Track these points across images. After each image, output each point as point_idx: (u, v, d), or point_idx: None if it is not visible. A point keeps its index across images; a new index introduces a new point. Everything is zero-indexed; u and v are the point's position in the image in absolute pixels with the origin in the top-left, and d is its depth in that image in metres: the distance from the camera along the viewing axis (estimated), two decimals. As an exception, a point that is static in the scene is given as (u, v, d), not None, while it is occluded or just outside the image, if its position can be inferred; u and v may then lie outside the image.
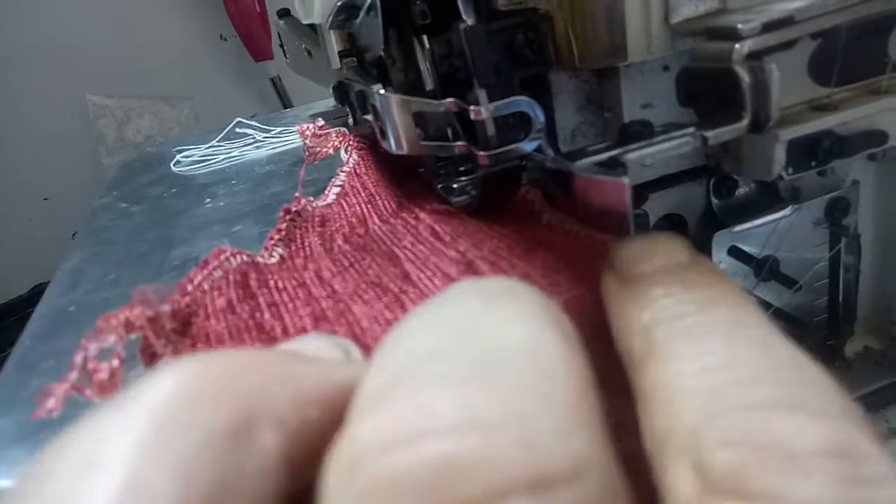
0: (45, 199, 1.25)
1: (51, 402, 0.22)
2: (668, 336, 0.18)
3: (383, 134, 0.31)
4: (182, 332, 0.25)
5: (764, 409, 0.15)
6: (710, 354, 0.17)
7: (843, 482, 0.13)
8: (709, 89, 0.28)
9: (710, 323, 0.18)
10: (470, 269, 0.26)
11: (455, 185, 0.33)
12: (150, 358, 0.24)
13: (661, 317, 0.19)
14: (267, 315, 0.26)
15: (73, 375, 0.22)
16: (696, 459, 0.14)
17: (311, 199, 0.38)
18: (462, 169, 0.32)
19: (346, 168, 0.40)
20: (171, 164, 0.58)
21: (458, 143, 0.28)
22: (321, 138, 0.48)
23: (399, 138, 0.29)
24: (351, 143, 0.44)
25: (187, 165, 0.58)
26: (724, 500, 0.13)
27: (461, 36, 0.26)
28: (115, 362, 0.23)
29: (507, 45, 0.27)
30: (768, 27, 0.26)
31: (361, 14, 0.34)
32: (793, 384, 0.16)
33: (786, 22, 0.26)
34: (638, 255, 0.21)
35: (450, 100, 0.27)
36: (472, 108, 0.26)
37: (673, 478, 0.15)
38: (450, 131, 0.29)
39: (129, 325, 0.24)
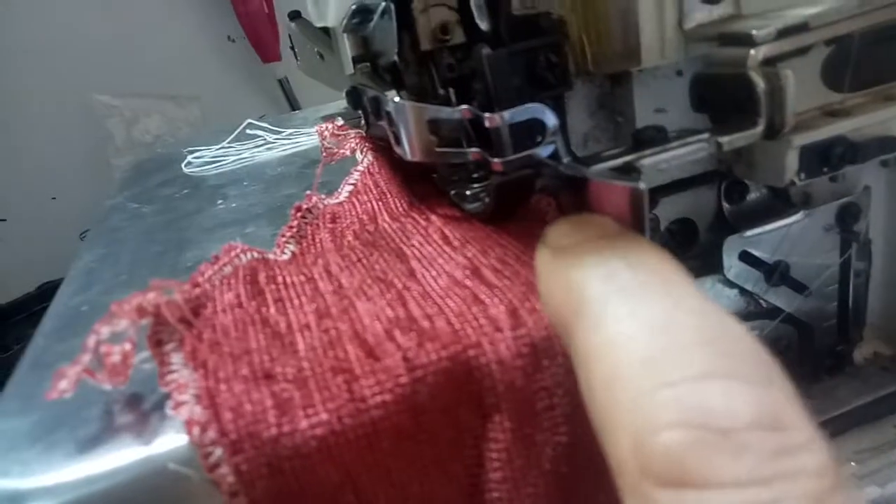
0: (53, 198, 1.25)
1: (63, 384, 0.22)
2: (603, 295, 0.19)
3: (397, 140, 0.31)
4: (189, 321, 0.26)
5: (699, 381, 0.15)
6: (643, 316, 0.18)
7: (771, 456, 0.14)
8: (723, 95, 0.28)
9: (642, 281, 0.19)
10: (476, 274, 0.26)
11: (468, 192, 0.33)
12: (157, 344, 0.25)
13: (592, 275, 0.20)
14: (272, 310, 0.26)
15: (86, 358, 0.23)
16: (637, 441, 0.15)
17: (323, 196, 0.38)
18: (475, 176, 0.32)
19: (359, 168, 0.41)
20: (183, 165, 0.59)
21: (473, 149, 0.28)
22: (339, 138, 0.48)
23: (413, 145, 0.29)
24: (367, 144, 0.44)
25: (198, 166, 0.58)
26: (662, 488, 0.15)
27: (483, 62, 0.26)
28: (128, 346, 0.23)
29: (527, 66, 0.27)
30: (783, 33, 0.26)
31: (375, 18, 0.34)
32: (723, 347, 0.16)
33: (800, 28, 0.26)
34: (569, 229, 0.22)
35: (464, 107, 0.28)
36: (486, 115, 0.26)
37: (617, 457, 0.16)
38: (464, 138, 0.29)
39: (140, 311, 0.24)
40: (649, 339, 0.17)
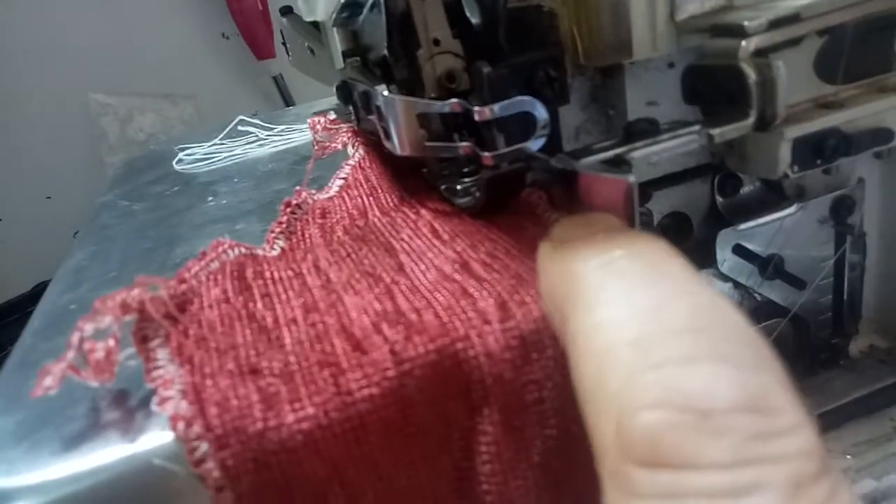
0: (48, 197, 1.25)
1: (48, 381, 0.22)
2: (598, 279, 0.19)
3: (387, 135, 0.30)
4: (175, 317, 0.25)
5: (685, 364, 0.15)
6: (637, 300, 0.17)
7: (752, 439, 0.14)
8: (714, 87, 0.28)
9: (639, 267, 0.19)
10: (465, 268, 0.26)
11: (459, 187, 0.32)
12: (142, 340, 0.24)
13: (590, 261, 0.20)
14: (259, 305, 0.26)
15: (70, 355, 0.22)
16: (619, 422, 0.15)
17: (313, 192, 0.38)
18: (465, 170, 0.32)
19: (350, 162, 0.40)
20: (174, 162, 0.58)
21: (463, 143, 0.28)
22: (331, 132, 0.48)
23: (403, 139, 0.29)
24: (358, 138, 0.44)
25: (190, 163, 0.57)
26: (640, 468, 0.14)
27: (484, 81, 0.26)
28: (111, 342, 0.23)
29: (527, 81, 0.27)
30: (775, 24, 0.26)
31: (364, 12, 0.33)
32: (714, 332, 0.16)
33: (792, 19, 0.26)
34: (573, 225, 0.23)
35: (454, 100, 0.27)
36: (476, 109, 0.26)
37: (600, 439, 0.16)
38: (454, 132, 0.29)
39: (124, 307, 0.24)
40: (639, 322, 0.17)
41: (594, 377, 0.17)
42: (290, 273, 0.29)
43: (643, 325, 0.17)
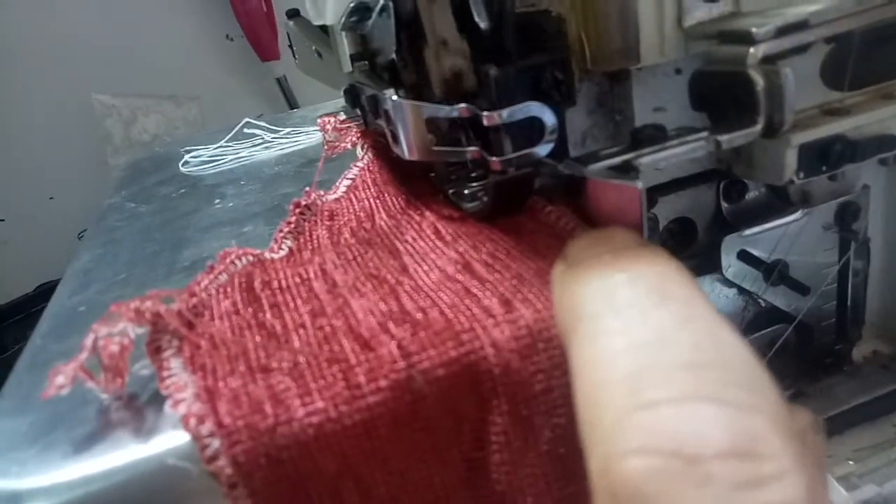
0: (51, 198, 1.25)
1: (59, 380, 0.22)
2: (598, 310, 0.19)
3: (395, 139, 0.31)
4: (188, 327, 0.26)
5: (676, 405, 0.15)
6: (635, 331, 0.17)
7: (738, 487, 0.14)
8: (722, 93, 0.28)
9: (641, 297, 0.19)
10: (467, 268, 0.26)
11: (466, 191, 0.33)
12: (156, 351, 0.25)
13: (592, 291, 0.20)
14: (269, 315, 0.27)
15: (83, 356, 0.23)
16: (606, 463, 0.15)
17: (322, 192, 0.38)
18: (474, 175, 0.32)
19: (359, 163, 0.41)
20: (180, 165, 0.58)
21: (471, 148, 0.28)
22: (341, 132, 0.49)
23: (411, 144, 0.29)
24: (367, 140, 0.44)
25: (196, 166, 0.57)
26: None
27: (491, 83, 0.26)
28: (126, 340, 0.23)
29: (533, 83, 0.27)
30: (783, 31, 0.26)
31: (373, 16, 0.34)
32: (711, 369, 0.16)
33: (800, 26, 0.26)
34: (586, 244, 0.22)
35: (462, 105, 0.27)
36: (484, 113, 0.26)
37: (592, 474, 0.16)
38: (462, 137, 0.29)
39: (139, 315, 0.24)
40: (635, 356, 0.17)
41: (590, 409, 0.17)
42: (298, 280, 0.29)
43: (638, 360, 0.17)
